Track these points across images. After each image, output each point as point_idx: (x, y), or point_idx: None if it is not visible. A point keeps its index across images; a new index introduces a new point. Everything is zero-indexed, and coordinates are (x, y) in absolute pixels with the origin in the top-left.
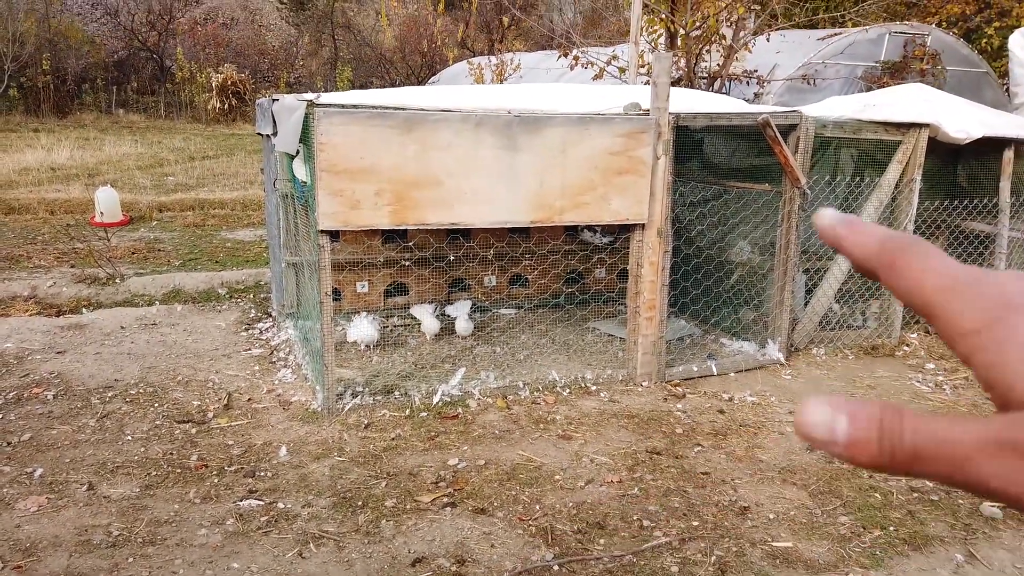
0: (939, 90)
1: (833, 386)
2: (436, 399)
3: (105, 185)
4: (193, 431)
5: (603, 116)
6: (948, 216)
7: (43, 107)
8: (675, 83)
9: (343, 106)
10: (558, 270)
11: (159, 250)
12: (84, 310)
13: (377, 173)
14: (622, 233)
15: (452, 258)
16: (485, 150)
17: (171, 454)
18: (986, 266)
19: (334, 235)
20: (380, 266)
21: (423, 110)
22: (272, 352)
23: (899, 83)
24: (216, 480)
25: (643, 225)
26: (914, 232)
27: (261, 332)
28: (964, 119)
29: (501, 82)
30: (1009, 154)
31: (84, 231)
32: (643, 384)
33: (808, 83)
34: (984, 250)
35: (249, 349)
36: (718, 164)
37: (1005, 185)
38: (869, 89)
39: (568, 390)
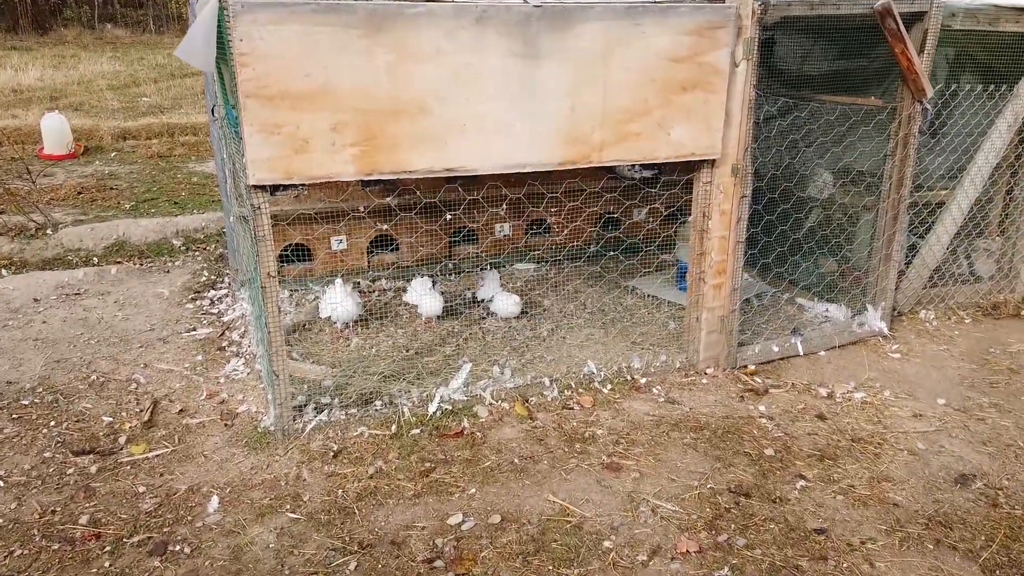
0: None
1: (962, 370)
2: (433, 407)
3: (52, 111)
4: (93, 468)
5: (662, 4)
6: None
7: (21, 23)
8: None
9: None
10: (587, 215)
11: (111, 188)
12: (3, 271)
13: (333, 97)
14: (673, 170)
15: (452, 204)
16: (492, 60)
17: (52, 513)
18: None
19: (273, 189)
20: (362, 216)
21: (397, 1)
22: (223, 332)
23: None
24: (107, 565)
25: (712, 161)
26: None
27: (213, 303)
28: None
29: None
30: None
31: (32, 166)
32: (708, 372)
33: None
34: None
35: (194, 329)
36: (789, 70)
37: None
38: None
39: (609, 385)
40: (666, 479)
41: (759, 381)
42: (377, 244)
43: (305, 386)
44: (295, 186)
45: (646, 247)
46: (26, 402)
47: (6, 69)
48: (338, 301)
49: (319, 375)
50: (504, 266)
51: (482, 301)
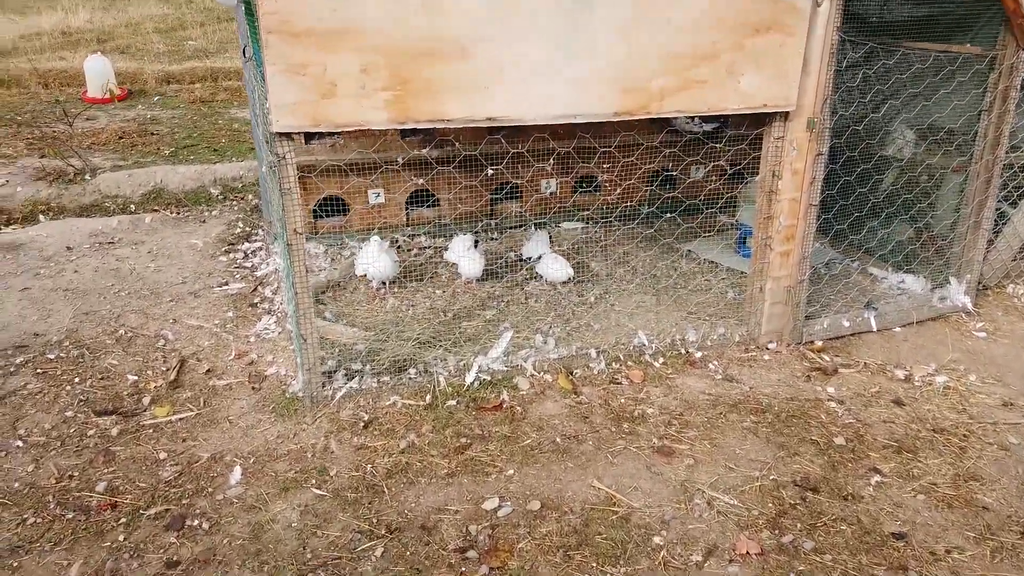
0: None
1: None
2: (470, 377)
3: (95, 54)
4: (114, 431)
5: None
6: None
7: None
8: None
9: None
10: (642, 172)
11: (152, 133)
12: (41, 217)
13: (362, 36)
14: (740, 123)
15: (494, 157)
16: None
17: (70, 478)
18: None
19: (307, 137)
20: (399, 168)
21: None
22: (256, 288)
23: None
24: (121, 539)
25: (786, 114)
26: None
27: (247, 256)
28: None
29: None
30: None
31: (74, 109)
32: (770, 347)
33: None
34: None
35: (226, 283)
36: (869, 12)
37: None
38: None
39: (662, 359)
40: (723, 467)
41: (827, 359)
42: (415, 199)
43: (336, 350)
44: (330, 134)
45: (706, 208)
46: (52, 356)
47: (56, 11)
48: (374, 259)
49: (352, 338)
50: (550, 225)
51: (528, 260)
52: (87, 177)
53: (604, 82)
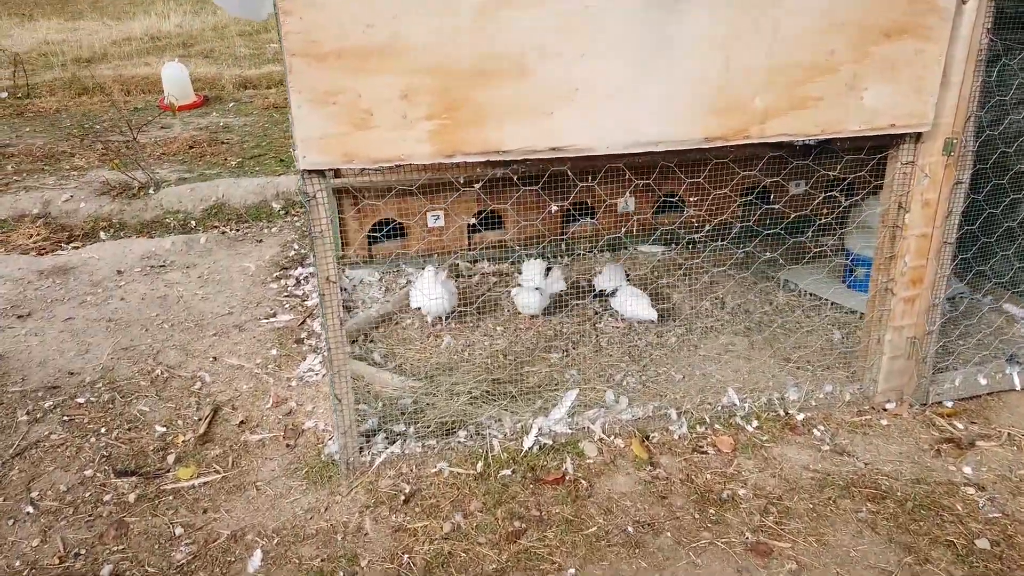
0: None
1: None
2: (528, 442)
3: (173, 60)
4: (132, 496)
5: None
6: None
7: None
8: None
9: None
10: (731, 185)
11: (221, 142)
12: (102, 234)
13: (403, 56)
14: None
15: (564, 180)
16: (614, 4)
17: (75, 556)
18: None
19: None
20: (460, 187)
21: None
22: (304, 320)
23: None
24: None
25: (917, 135)
26: None
27: (299, 282)
28: None
29: None
30: None
31: (152, 116)
32: (888, 408)
33: None
34: None
35: (274, 315)
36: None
37: None
38: None
39: (756, 422)
40: (834, 575)
41: (960, 427)
42: (480, 222)
43: (380, 404)
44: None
45: (806, 230)
46: (82, 400)
47: (150, 15)
48: (428, 292)
49: (399, 387)
50: (627, 248)
51: (601, 293)
52: (151, 191)
53: (694, 102)
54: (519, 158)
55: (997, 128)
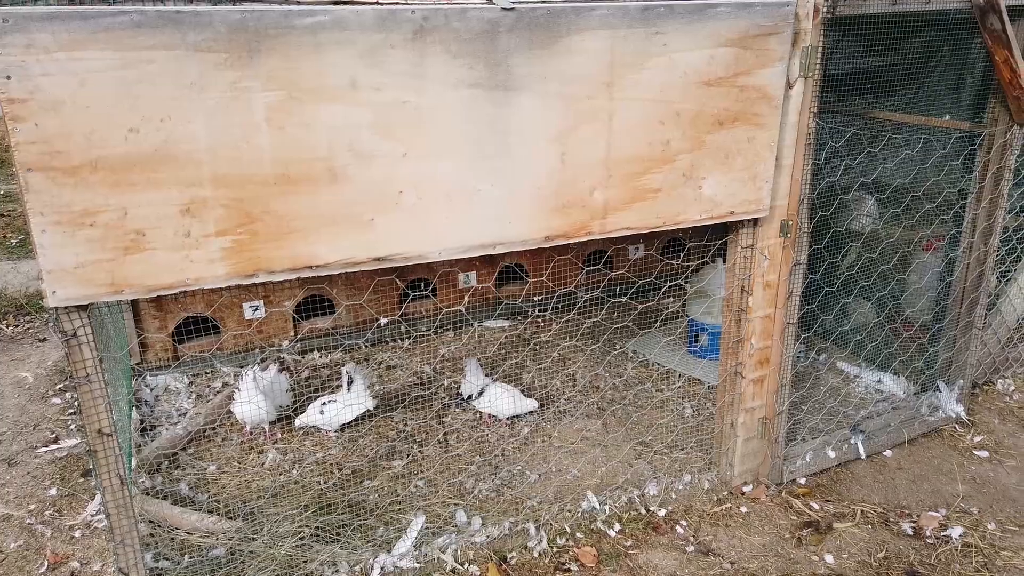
0: None
1: None
2: None
3: None
4: None
5: (690, 3)
6: None
7: None
8: None
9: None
10: (574, 252)
11: (2, 215)
12: None
13: (182, 164)
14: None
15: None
16: (441, 94)
17: None
18: None
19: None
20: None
21: (281, 6)
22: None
23: None
24: None
25: (754, 220)
26: None
27: None
28: None
29: None
30: None
31: None
32: (746, 492)
33: None
34: None
35: (56, 439)
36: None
37: None
38: None
39: (618, 525)
40: None
41: (817, 507)
42: (308, 306)
43: (186, 558)
44: None
45: (647, 296)
46: None
47: None
48: (248, 399)
49: (210, 529)
50: (471, 325)
51: (469, 399)
52: None
53: (532, 200)
54: (337, 272)
55: (828, 209)
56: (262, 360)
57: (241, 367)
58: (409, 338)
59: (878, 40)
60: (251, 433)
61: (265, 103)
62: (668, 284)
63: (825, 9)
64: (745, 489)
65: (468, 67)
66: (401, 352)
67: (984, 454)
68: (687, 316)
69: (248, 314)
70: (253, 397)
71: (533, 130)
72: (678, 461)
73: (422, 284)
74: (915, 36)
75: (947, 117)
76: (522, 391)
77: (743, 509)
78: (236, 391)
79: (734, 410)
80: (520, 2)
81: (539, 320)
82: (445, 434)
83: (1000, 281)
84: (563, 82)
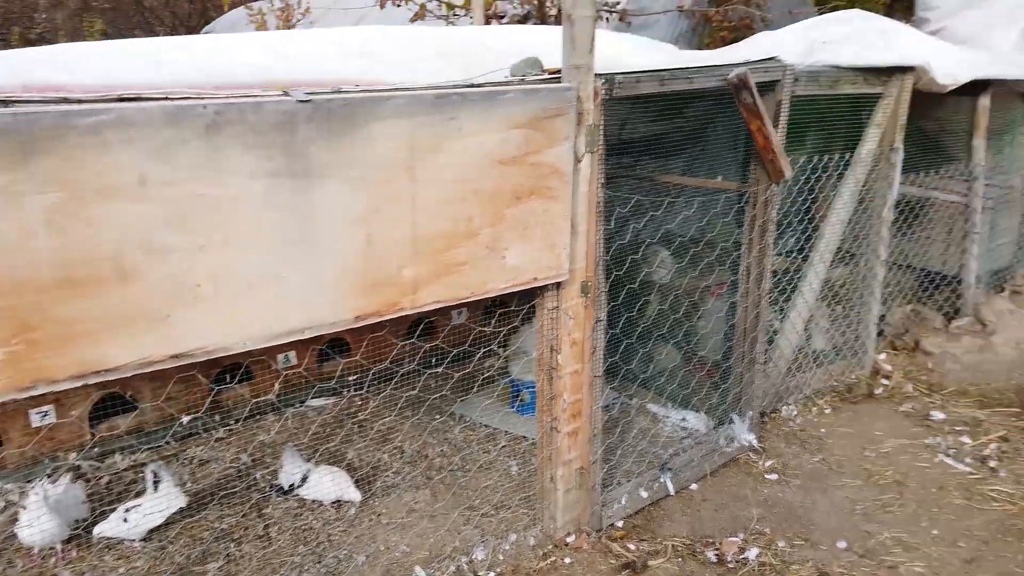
0: (792, 19)
1: (848, 491)
2: None
3: None
4: None
5: (481, 89)
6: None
7: None
8: (522, 20)
9: None
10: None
11: None
12: None
13: None
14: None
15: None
16: (239, 185)
17: None
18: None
19: None
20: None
21: (66, 100)
22: None
23: (726, 13)
24: None
25: (557, 284)
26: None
27: None
28: (947, 58)
29: (290, 29)
30: (985, 102)
31: None
32: (569, 543)
33: (624, 21)
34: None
35: None
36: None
37: (979, 144)
38: (695, 28)
39: None
40: None
41: (633, 548)
42: (105, 407)
43: None
44: None
45: (471, 358)
46: None
47: None
48: (35, 518)
49: None
50: (287, 410)
51: (291, 489)
52: None
53: (340, 282)
54: (131, 374)
55: (622, 268)
56: (51, 472)
57: (28, 482)
58: (222, 429)
59: (665, 109)
60: (40, 557)
61: (42, 205)
62: (483, 351)
63: (604, 92)
64: (568, 540)
65: (266, 158)
66: (215, 444)
67: (774, 476)
68: (509, 375)
69: (36, 421)
70: (40, 517)
71: (337, 214)
72: (505, 521)
73: (236, 371)
74: (693, 106)
75: (719, 178)
76: (348, 468)
77: (567, 560)
78: (21, 510)
79: (552, 464)
80: (316, 93)
81: (359, 397)
82: (266, 527)
83: (775, 317)
84: (365, 167)
